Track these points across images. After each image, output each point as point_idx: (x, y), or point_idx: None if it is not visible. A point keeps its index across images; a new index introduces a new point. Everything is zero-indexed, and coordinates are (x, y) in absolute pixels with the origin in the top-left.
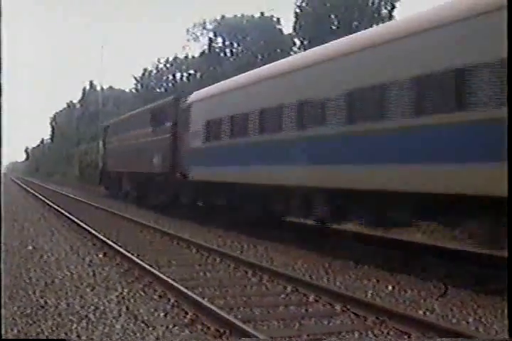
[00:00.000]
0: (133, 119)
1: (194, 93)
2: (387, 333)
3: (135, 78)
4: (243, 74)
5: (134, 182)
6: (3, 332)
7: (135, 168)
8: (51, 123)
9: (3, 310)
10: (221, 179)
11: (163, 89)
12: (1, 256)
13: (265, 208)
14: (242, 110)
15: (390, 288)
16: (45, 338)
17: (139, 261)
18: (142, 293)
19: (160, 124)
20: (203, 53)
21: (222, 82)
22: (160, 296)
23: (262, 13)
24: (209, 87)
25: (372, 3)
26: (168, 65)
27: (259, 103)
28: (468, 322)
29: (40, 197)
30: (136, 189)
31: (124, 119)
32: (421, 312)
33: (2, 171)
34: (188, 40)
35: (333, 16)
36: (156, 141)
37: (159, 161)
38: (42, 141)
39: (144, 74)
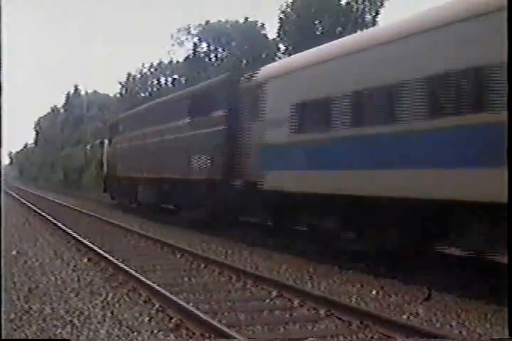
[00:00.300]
0: (156, 111)
1: (268, 66)
2: (372, 337)
3: (120, 83)
4: (378, 26)
5: (158, 191)
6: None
7: (160, 172)
8: (35, 128)
9: (3, 310)
10: (327, 189)
11: (147, 94)
12: (1, 258)
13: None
14: (388, 81)
15: (374, 292)
16: (45, 338)
17: (124, 266)
18: (127, 298)
19: (204, 113)
20: (187, 58)
21: (327, 44)
22: (145, 301)
23: (246, 18)
24: (298, 54)
25: (357, 9)
26: (152, 70)
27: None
28: (451, 326)
29: (25, 202)
30: (160, 200)
31: (142, 112)
32: (405, 316)
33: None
34: (173, 45)
35: (317, 22)
36: (197, 136)
37: (204, 163)
38: (25, 146)
39: (128, 79)
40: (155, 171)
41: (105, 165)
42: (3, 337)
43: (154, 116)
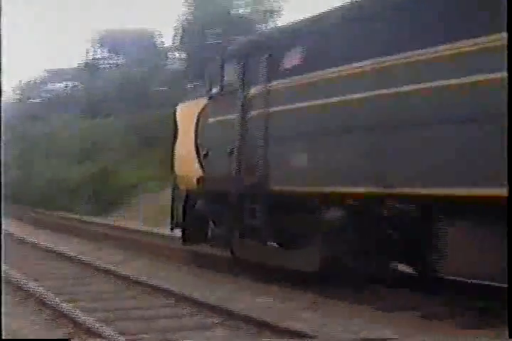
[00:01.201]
0: None
1: None
2: None
3: (13, 89)
4: None
5: None
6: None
7: None
8: None
9: (3, 310)
10: None
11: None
12: (0, 258)
13: None
14: None
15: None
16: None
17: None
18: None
19: None
20: (85, 64)
21: None
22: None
23: (140, 27)
24: None
25: (250, 20)
26: (49, 75)
27: None
28: None
29: None
30: None
31: None
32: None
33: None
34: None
35: (209, 31)
36: None
37: None
38: None
39: (20, 84)
40: None
41: (179, 163)
42: (3, 337)
43: None
